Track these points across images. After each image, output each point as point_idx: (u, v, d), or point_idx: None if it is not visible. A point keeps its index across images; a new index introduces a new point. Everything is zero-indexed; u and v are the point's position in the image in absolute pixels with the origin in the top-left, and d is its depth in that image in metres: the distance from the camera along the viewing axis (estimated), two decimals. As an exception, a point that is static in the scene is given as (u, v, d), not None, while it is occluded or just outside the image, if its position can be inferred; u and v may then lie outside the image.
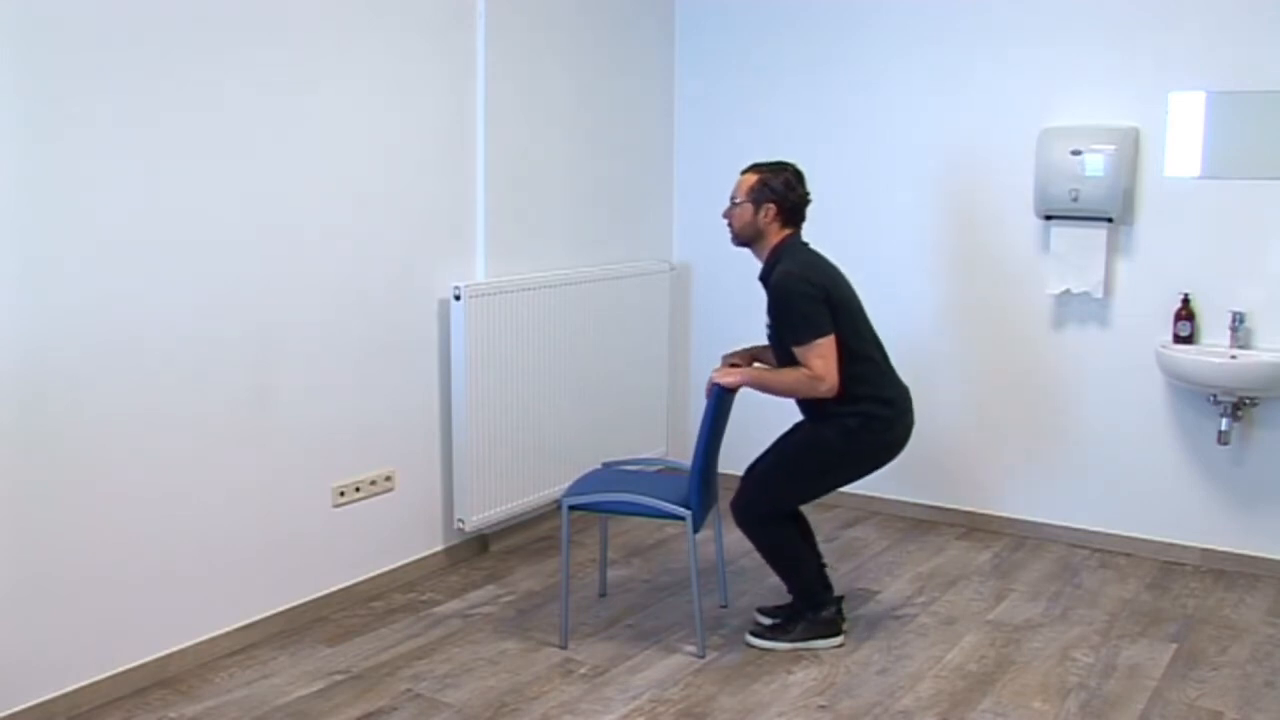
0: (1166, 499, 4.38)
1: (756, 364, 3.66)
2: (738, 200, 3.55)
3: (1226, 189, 4.16)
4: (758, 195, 3.50)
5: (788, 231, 3.53)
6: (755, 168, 3.57)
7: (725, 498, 3.68)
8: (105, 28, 3.02)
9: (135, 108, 3.12)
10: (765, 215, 3.50)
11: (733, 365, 3.63)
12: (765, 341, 3.65)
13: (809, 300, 3.39)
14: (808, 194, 3.56)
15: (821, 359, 3.36)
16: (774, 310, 3.47)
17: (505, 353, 4.26)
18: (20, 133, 2.88)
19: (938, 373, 4.74)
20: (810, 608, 3.61)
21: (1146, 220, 4.31)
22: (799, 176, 3.55)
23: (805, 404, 3.56)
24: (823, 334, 3.37)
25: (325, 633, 3.69)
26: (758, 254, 3.57)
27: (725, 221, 3.59)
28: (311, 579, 3.78)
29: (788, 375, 3.44)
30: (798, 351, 3.39)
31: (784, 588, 3.67)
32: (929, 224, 4.72)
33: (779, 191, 3.50)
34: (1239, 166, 4.12)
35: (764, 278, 3.54)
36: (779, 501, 3.57)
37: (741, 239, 3.57)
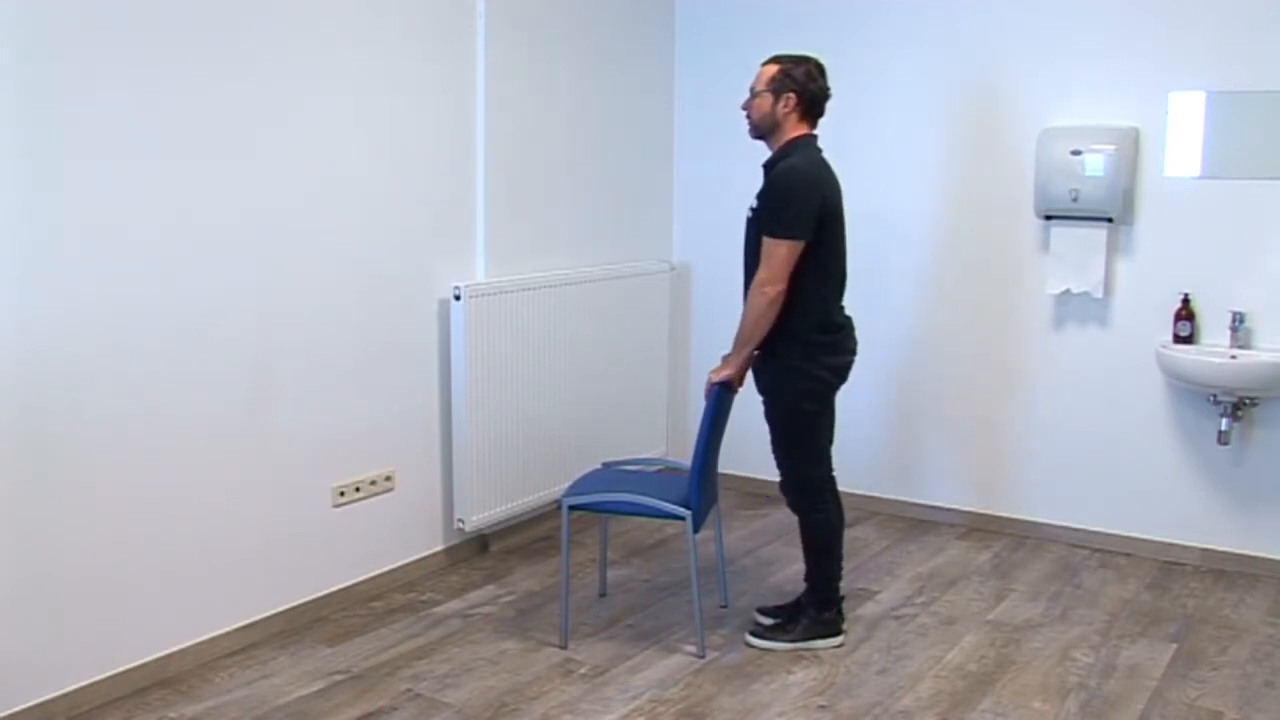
0: (1166, 499, 4.38)
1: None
2: (757, 90, 3.50)
3: (1226, 189, 4.16)
4: (778, 85, 3.45)
5: (805, 128, 3.48)
6: (776, 59, 3.51)
7: (725, 498, 3.68)
8: (105, 28, 3.02)
9: (134, 108, 3.11)
10: (785, 105, 3.45)
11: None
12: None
13: (802, 203, 3.35)
14: (828, 87, 3.50)
15: (774, 260, 3.34)
16: (767, 195, 3.42)
17: (505, 353, 4.26)
18: (19, 131, 2.88)
19: (937, 372, 4.74)
20: (817, 605, 3.61)
21: (1146, 220, 4.31)
22: (821, 69, 3.49)
23: (762, 344, 3.50)
24: (794, 237, 3.34)
25: (325, 633, 3.69)
26: (771, 146, 3.52)
27: (744, 114, 3.54)
28: (311, 579, 3.78)
29: (748, 315, 3.42)
30: (766, 242, 3.37)
31: (784, 587, 3.67)
32: (929, 224, 4.73)
33: (800, 81, 3.45)
34: (1239, 166, 4.12)
35: (768, 165, 3.49)
36: (806, 467, 3.57)
37: (759, 130, 3.52)
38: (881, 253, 4.72)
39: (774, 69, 3.48)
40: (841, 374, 3.55)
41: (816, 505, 3.57)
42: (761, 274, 3.37)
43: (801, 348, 3.45)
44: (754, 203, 3.48)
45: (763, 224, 3.41)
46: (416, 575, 4.15)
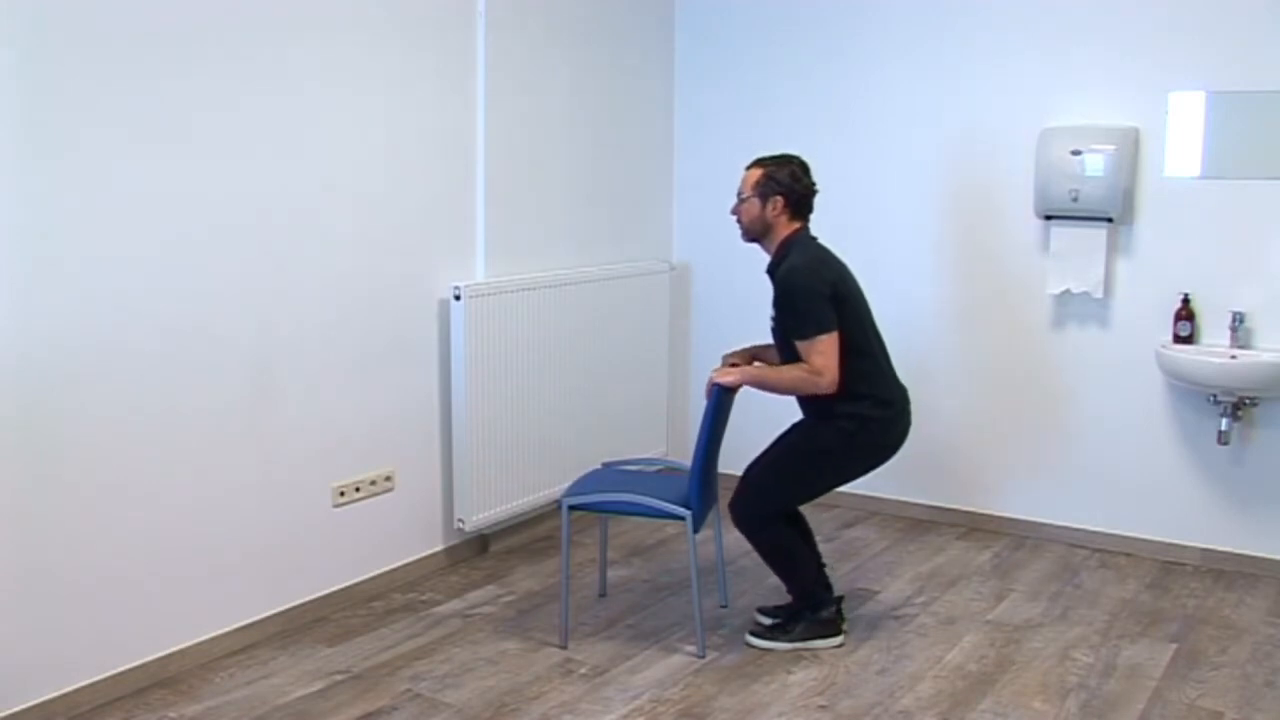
0: (1166, 499, 4.38)
1: (756, 363, 3.66)
2: (744, 196, 3.55)
3: (1226, 189, 4.16)
4: (764, 189, 3.50)
5: (796, 225, 3.53)
6: (760, 162, 3.56)
7: (725, 498, 3.68)
8: (106, 28, 3.02)
9: (135, 108, 3.11)
10: (773, 208, 3.50)
11: (732, 365, 3.63)
12: (765, 340, 3.65)
13: (814, 295, 3.39)
14: (814, 184, 3.55)
15: (822, 355, 3.36)
16: (779, 303, 3.47)
17: (505, 353, 4.26)
18: (20, 131, 2.88)
19: (938, 372, 4.74)
20: (810, 608, 3.61)
21: (1146, 220, 4.31)
22: (804, 168, 3.55)
23: (805, 401, 3.56)
24: (825, 330, 3.37)
25: (325, 633, 3.69)
26: (767, 248, 3.57)
27: (734, 218, 3.60)
28: (311, 579, 3.78)
29: (787, 373, 3.44)
30: (800, 346, 3.40)
31: (784, 587, 3.67)
32: (929, 224, 4.73)
33: (785, 184, 3.49)
34: (1239, 166, 4.12)
35: (771, 270, 3.54)
36: (776, 503, 3.57)
37: (751, 234, 3.58)
38: (881, 253, 4.71)
39: (758, 173, 3.53)
40: (882, 455, 3.57)
41: (764, 527, 3.57)
42: (816, 363, 3.37)
43: (856, 420, 3.47)
44: (772, 311, 3.52)
45: (788, 331, 3.45)
46: (416, 575, 4.15)
